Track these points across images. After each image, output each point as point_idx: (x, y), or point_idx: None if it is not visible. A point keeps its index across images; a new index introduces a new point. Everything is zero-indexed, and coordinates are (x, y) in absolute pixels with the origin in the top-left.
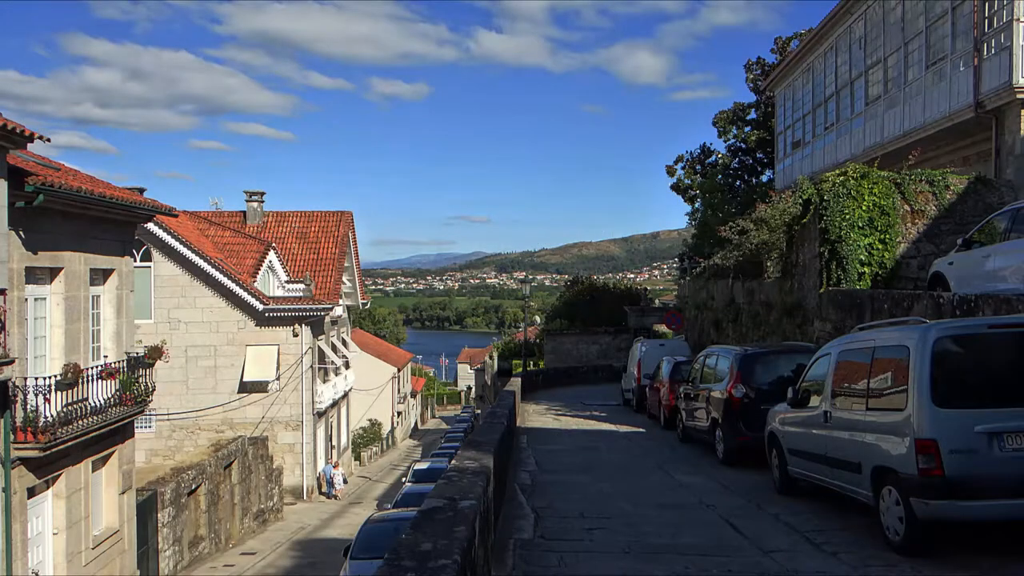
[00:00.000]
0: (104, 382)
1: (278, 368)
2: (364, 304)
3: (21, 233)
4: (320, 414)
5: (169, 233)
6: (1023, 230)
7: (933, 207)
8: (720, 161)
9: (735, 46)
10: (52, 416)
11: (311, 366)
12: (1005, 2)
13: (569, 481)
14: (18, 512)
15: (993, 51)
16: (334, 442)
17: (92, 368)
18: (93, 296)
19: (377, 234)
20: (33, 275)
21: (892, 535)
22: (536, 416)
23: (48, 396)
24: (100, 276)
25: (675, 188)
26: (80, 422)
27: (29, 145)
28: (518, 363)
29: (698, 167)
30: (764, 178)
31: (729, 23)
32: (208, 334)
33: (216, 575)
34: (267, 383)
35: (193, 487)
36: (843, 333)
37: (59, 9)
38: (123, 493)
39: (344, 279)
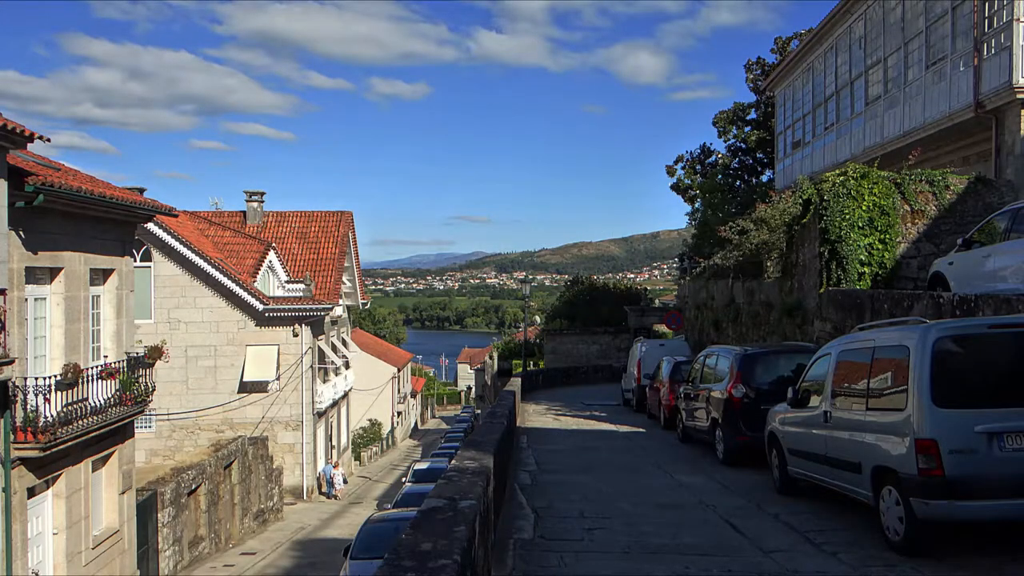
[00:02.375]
0: (104, 382)
1: (278, 368)
2: (364, 304)
3: (21, 233)
4: (320, 414)
5: (169, 233)
6: (1023, 230)
7: (933, 207)
8: (720, 161)
9: (735, 46)
10: (52, 416)
11: (311, 366)
12: (1005, 2)
13: (569, 481)
14: (18, 512)
15: (993, 51)
16: (334, 442)
17: (92, 368)
18: (93, 296)
19: (377, 234)
20: (33, 275)
21: (892, 535)
22: (536, 416)
23: (48, 396)
24: (100, 276)
25: (675, 188)
26: (80, 422)
27: (29, 145)
28: (518, 363)
29: (698, 167)
30: (764, 178)
31: (729, 23)
32: (208, 334)
33: (216, 575)
34: (267, 383)
35: (193, 487)
36: (843, 333)
37: (59, 9)
38: (123, 493)
39: (344, 279)
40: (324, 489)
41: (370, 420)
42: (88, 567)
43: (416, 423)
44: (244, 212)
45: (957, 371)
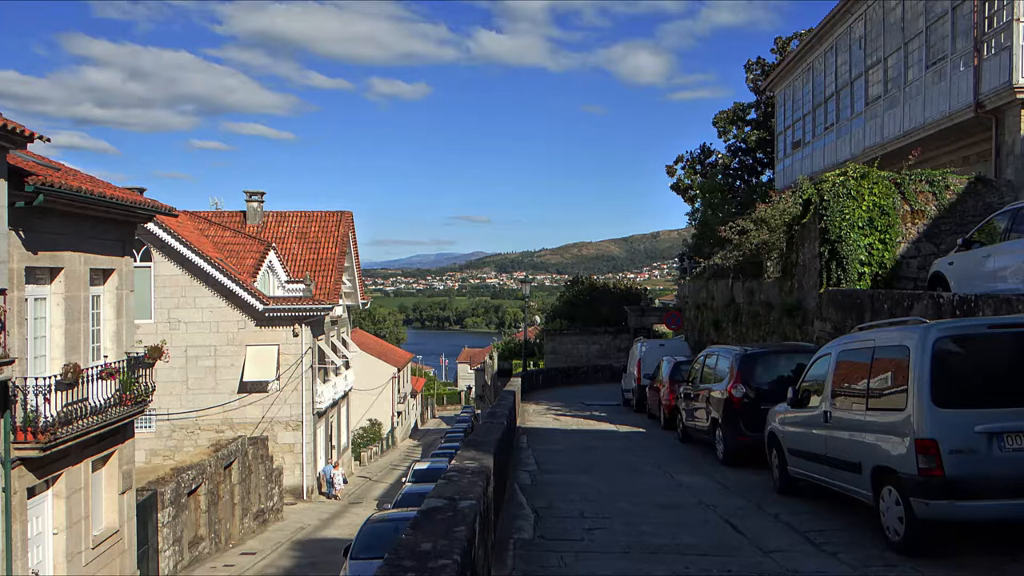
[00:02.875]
0: (104, 382)
1: (278, 368)
2: (364, 304)
3: (21, 233)
4: (320, 414)
5: (169, 233)
6: (1023, 230)
7: (933, 207)
8: (720, 161)
9: (735, 46)
10: (52, 416)
11: (311, 366)
12: (1005, 2)
13: (569, 481)
14: (18, 512)
15: (993, 51)
16: (334, 442)
17: (92, 368)
18: (93, 296)
19: (377, 234)
20: (33, 275)
21: (892, 535)
22: (536, 416)
23: (48, 396)
24: (100, 276)
25: (675, 188)
26: (80, 422)
27: (29, 145)
28: (518, 363)
29: (698, 167)
30: (764, 178)
31: (729, 23)
32: (208, 334)
33: (216, 575)
34: (267, 383)
35: (193, 487)
36: (843, 333)
37: (59, 9)
38: (123, 493)
39: (344, 279)
40: (324, 489)
41: (370, 420)
42: (88, 567)
43: (416, 423)
44: (244, 212)
45: (957, 371)
